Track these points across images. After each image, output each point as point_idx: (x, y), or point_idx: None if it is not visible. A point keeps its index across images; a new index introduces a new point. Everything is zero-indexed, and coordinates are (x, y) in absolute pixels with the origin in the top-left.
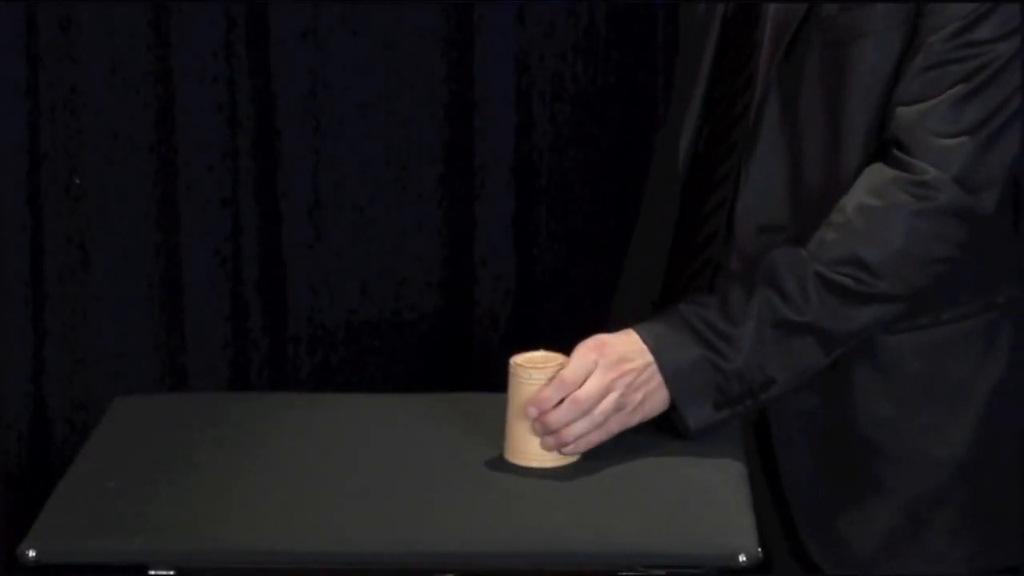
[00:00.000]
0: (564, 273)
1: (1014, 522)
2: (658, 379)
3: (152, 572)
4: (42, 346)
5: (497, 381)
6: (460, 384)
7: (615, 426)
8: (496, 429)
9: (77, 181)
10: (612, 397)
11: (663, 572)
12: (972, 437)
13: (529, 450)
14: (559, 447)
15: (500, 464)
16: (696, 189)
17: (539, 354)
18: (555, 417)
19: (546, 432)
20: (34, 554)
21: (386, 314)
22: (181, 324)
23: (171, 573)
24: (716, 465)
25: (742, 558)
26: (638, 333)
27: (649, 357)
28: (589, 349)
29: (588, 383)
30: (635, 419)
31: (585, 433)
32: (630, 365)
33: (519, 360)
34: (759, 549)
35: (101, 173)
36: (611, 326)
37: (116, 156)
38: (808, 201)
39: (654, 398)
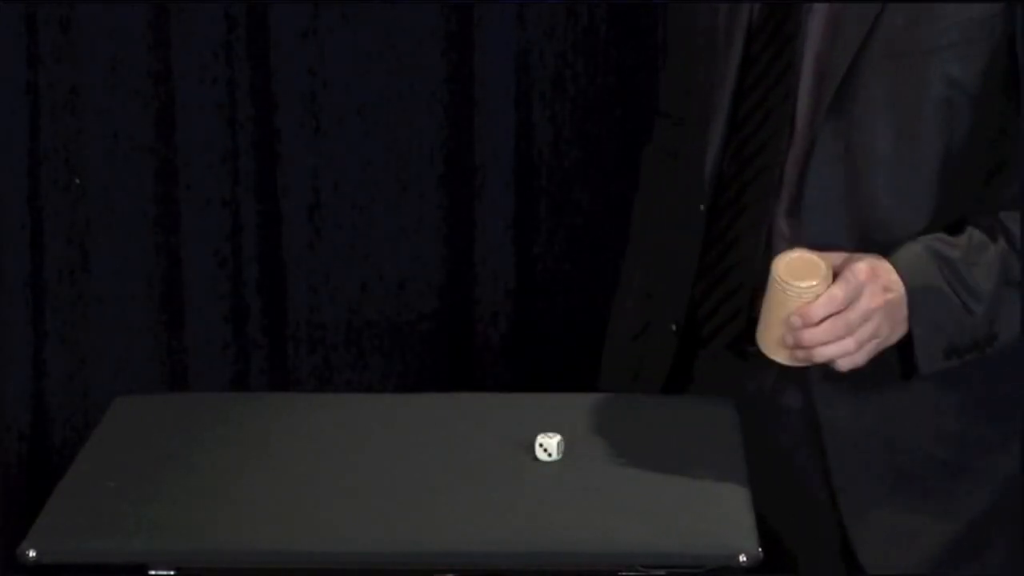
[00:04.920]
0: (564, 273)
1: None
2: (905, 314)
3: (152, 572)
4: (42, 346)
5: (497, 381)
6: (460, 384)
7: (864, 356)
8: (497, 429)
9: (77, 181)
10: (870, 325)
11: (663, 572)
12: None
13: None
14: (806, 362)
15: (500, 464)
16: (722, 210)
17: (802, 261)
18: (813, 335)
19: (799, 346)
20: (34, 554)
21: (386, 314)
22: (181, 324)
23: (171, 573)
24: (716, 465)
25: (742, 558)
26: (893, 264)
27: (902, 290)
28: (861, 271)
29: (857, 305)
30: (879, 349)
31: (837, 356)
32: (891, 296)
33: (782, 271)
34: (759, 549)
35: (101, 173)
36: (608, 349)
37: (116, 156)
38: (870, 216)
39: (898, 332)
